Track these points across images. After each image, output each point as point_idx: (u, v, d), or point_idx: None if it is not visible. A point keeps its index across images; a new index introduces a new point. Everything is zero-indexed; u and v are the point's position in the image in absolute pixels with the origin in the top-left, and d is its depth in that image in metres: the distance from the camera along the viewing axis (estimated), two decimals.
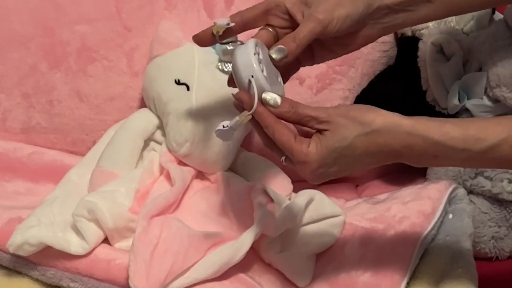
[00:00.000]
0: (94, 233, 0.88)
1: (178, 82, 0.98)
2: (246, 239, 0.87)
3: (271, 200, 0.92)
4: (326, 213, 0.95)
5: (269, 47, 0.76)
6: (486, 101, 1.03)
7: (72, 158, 1.06)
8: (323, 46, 0.81)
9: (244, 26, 0.80)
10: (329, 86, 1.08)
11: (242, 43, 0.77)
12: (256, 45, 0.74)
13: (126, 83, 1.06)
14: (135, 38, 1.06)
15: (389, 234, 0.93)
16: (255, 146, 1.07)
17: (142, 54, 1.06)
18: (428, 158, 0.74)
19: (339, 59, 0.85)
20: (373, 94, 1.08)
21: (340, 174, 0.75)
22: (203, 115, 0.96)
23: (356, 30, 0.80)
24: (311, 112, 0.74)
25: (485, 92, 1.03)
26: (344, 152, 0.73)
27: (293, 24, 0.79)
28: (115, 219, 0.89)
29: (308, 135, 0.75)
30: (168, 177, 0.96)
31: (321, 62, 0.84)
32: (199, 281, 0.86)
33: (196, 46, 1.01)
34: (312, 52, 0.82)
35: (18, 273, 0.89)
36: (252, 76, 0.73)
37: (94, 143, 1.05)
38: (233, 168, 1.02)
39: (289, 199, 0.97)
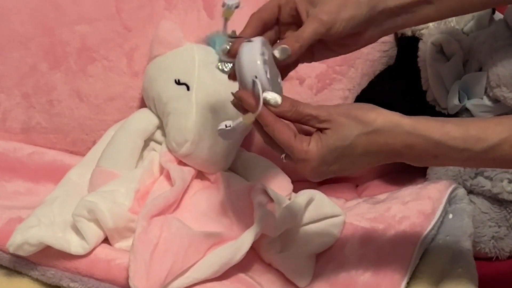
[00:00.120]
0: (94, 233, 0.88)
1: (178, 82, 0.98)
2: (246, 239, 0.87)
3: (271, 200, 0.92)
4: (326, 213, 0.95)
5: (271, 43, 0.76)
6: (486, 101, 1.03)
7: (72, 158, 1.06)
8: (324, 46, 0.81)
9: (264, 26, 0.79)
10: (329, 86, 1.08)
11: (249, 40, 0.75)
12: (263, 45, 0.73)
13: (126, 83, 1.06)
14: (135, 38, 1.06)
15: (389, 234, 0.93)
16: (255, 146, 1.07)
17: (142, 54, 1.06)
18: (429, 157, 0.74)
19: (339, 59, 0.85)
20: (373, 94, 1.08)
21: (340, 173, 0.76)
22: (203, 115, 0.96)
23: (358, 31, 0.80)
24: (311, 111, 0.74)
25: (485, 92, 1.03)
26: (345, 151, 0.73)
27: (298, 21, 0.78)
28: (115, 219, 0.89)
29: (308, 133, 0.75)
30: (168, 177, 0.96)
31: (320, 60, 0.83)
32: (199, 281, 0.86)
33: (196, 46, 1.01)
34: (312, 50, 0.81)
35: (18, 273, 0.89)
36: (256, 77, 0.72)
37: (94, 143, 1.05)
38: (233, 168, 1.02)
39: (289, 199, 0.97)
